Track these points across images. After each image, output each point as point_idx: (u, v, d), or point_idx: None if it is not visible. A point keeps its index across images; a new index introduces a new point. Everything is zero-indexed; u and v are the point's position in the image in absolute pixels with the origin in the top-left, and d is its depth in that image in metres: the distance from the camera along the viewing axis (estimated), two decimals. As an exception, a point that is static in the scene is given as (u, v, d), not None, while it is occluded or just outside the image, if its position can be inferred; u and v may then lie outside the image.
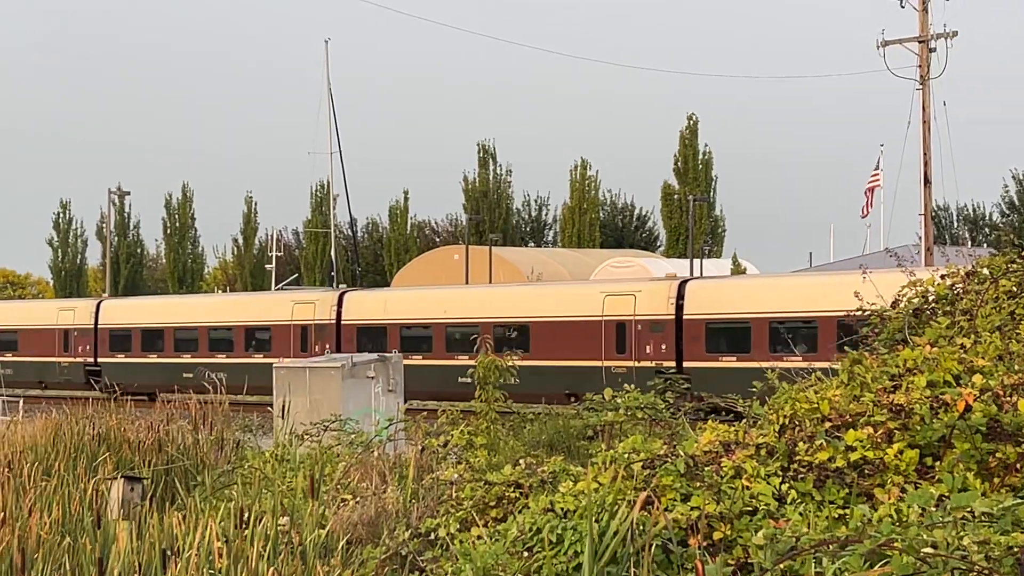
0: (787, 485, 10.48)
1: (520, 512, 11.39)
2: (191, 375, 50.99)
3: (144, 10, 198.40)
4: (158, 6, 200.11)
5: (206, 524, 12.86)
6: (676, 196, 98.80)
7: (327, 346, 52.09)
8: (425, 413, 21.15)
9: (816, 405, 11.18)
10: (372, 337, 51.08)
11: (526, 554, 10.59)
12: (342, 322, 53.06)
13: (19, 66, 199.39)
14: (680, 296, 44.06)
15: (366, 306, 53.76)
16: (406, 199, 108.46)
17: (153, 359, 58.50)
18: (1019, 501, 9.08)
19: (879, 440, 10.60)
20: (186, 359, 56.67)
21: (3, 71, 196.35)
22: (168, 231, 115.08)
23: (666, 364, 43.13)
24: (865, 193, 78.15)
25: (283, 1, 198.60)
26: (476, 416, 19.56)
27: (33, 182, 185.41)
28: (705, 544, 10.04)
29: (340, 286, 63.43)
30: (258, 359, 53.04)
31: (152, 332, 59.21)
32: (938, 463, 10.56)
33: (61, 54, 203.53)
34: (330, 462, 17.51)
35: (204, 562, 12.36)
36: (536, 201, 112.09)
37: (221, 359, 55.13)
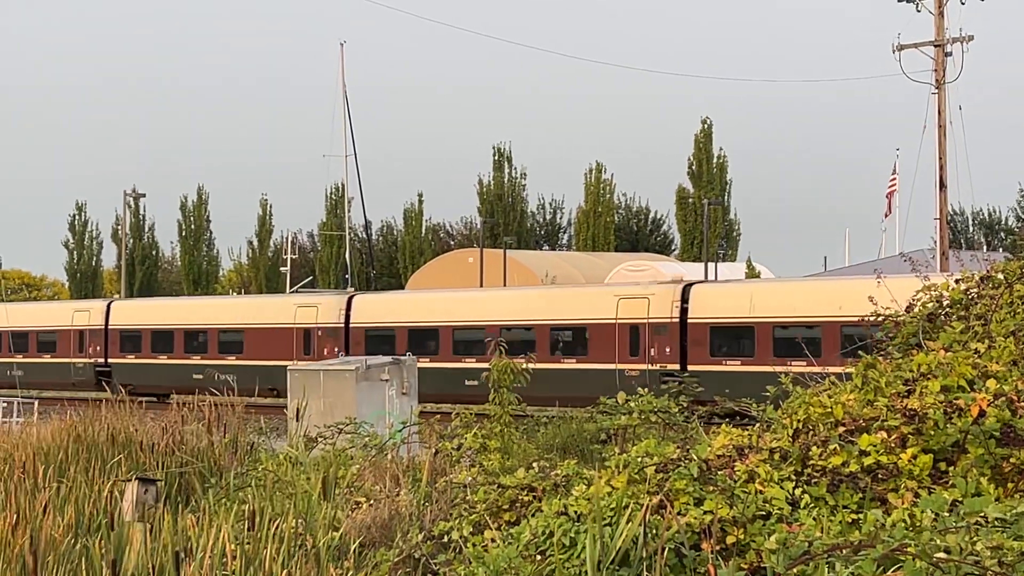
0: (800, 489, 10.47)
1: (533, 515, 11.39)
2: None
3: (159, 12, 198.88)
4: (173, 8, 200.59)
5: (220, 526, 12.88)
6: (691, 199, 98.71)
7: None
8: (439, 416, 21.16)
9: (830, 409, 11.17)
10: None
11: (539, 557, 10.59)
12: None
13: (36, 68, 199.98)
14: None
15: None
16: (421, 202, 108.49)
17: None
18: (1033, 506, 9.07)
19: (893, 445, 10.59)
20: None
21: (21, 73, 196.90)
22: (183, 233, 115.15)
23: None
24: (887, 197, 78.04)
25: (299, 4, 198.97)
26: (489, 419, 19.57)
27: (49, 184, 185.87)
28: (718, 548, 10.03)
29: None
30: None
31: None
32: (952, 468, 10.55)
33: (77, 56, 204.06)
34: (344, 464, 17.53)
35: (218, 564, 12.38)
36: (551, 204, 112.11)
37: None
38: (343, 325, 53.38)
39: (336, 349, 52.11)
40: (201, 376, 51.97)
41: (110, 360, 60.80)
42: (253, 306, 60.76)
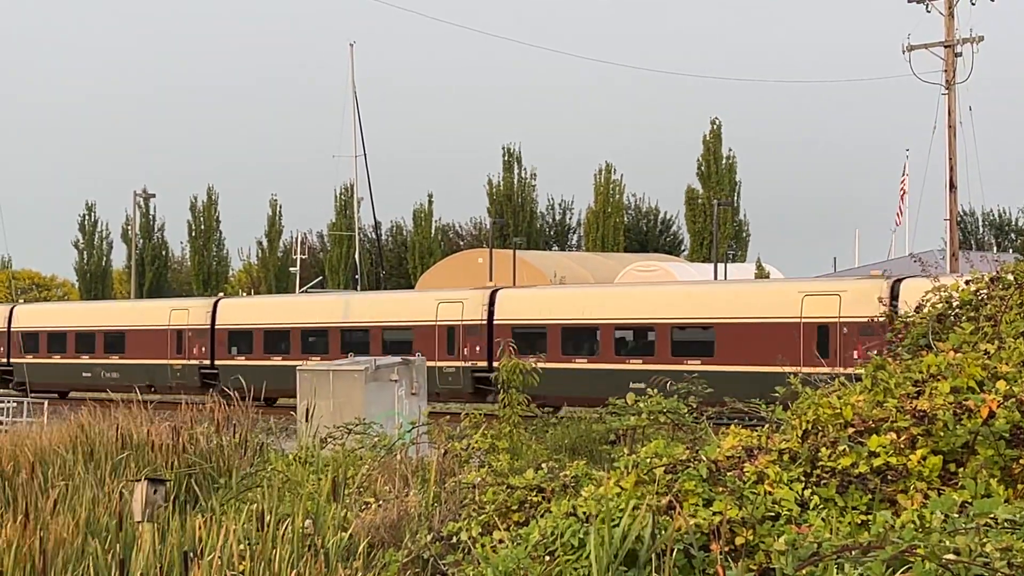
0: (810, 491, 10.46)
1: (542, 516, 11.38)
2: None
3: (168, 13, 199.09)
4: (182, 9, 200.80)
5: (229, 527, 12.88)
6: (700, 200, 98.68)
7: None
8: (448, 417, 21.15)
9: (839, 410, 11.15)
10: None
11: (548, 558, 10.57)
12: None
13: (45, 69, 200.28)
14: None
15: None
16: (430, 202, 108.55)
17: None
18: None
19: (902, 446, 10.58)
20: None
21: (29, 74, 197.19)
22: (193, 233, 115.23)
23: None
24: (900, 200, 77.92)
25: (308, 4, 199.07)
26: (498, 420, 19.56)
27: (59, 185, 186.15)
28: (727, 549, 10.02)
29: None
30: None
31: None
32: (961, 469, 10.53)
33: (85, 56, 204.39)
34: (353, 465, 17.53)
35: (227, 565, 12.39)
36: (560, 205, 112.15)
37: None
38: (486, 322, 49.17)
39: (478, 348, 48.86)
40: None
41: (217, 362, 57.84)
42: (396, 303, 55.72)
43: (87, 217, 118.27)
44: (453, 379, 49.17)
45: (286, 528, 13.16)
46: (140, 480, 15.66)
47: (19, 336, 64.79)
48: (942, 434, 10.58)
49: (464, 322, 49.66)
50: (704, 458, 11.05)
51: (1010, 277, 14.98)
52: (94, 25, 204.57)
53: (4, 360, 65.15)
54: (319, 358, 47.36)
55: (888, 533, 8.82)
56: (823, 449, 10.76)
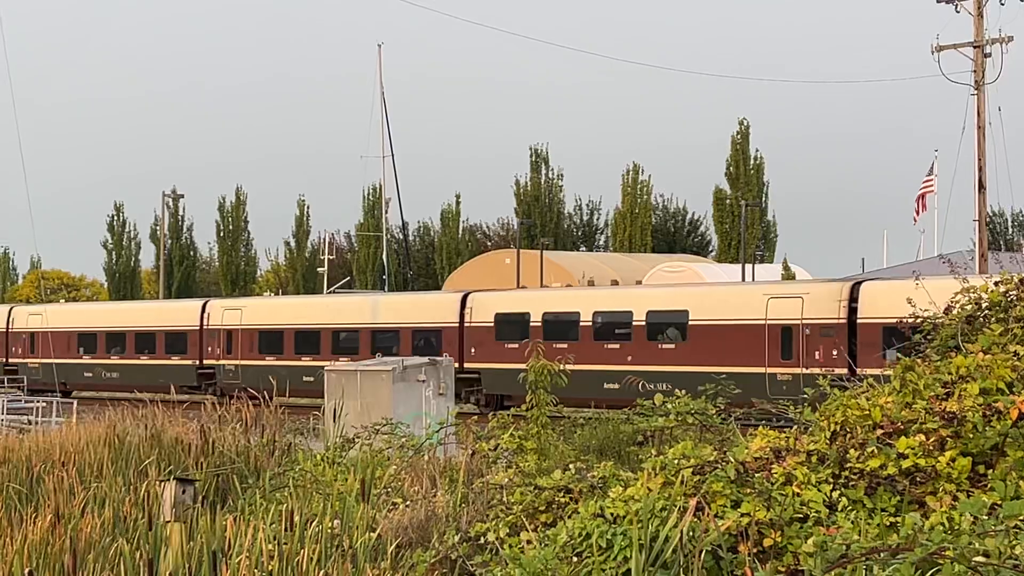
0: (838, 492, 10.44)
1: (570, 517, 11.39)
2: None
3: (196, 14, 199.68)
4: (211, 10, 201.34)
5: (257, 527, 12.92)
6: (728, 201, 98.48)
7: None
8: (475, 417, 21.15)
9: (868, 412, 11.13)
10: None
11: (575, 559, 10.58)
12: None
13: (72, 69, 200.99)
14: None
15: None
16: (458, 203, 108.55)
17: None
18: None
19: (931, 448, 10.55)
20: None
21: (59, 76, 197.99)
22: (221, 234, 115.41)
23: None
24: (917, 199, 77.61)
25: (336, 5, 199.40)
26: (526, 420, 19.56)
27: (88, 185, 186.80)
28: (755, 551, 10.01)
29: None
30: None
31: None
32: (991, 471, 10.50)
33: (115, 57, 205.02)
34: (381, 465, 17.55)
35: (255, 564, 12.42)
36: (588, 205, 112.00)
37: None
38: (845, 321, 41.75)
39: (833, 352, 41.34)
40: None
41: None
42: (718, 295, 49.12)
43: (116, 218, 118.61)
44: None
45: (314, 528, 13.19)
46: (169, 480, 15.73)
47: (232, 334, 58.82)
48: (971, 436, 10.56)
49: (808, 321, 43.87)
50: (732, 459, 11.04)
51: (1040, 278, 14.93)
52: (122, 25, 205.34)
53: (207, 362, 59.49)
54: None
55: (917, 535, 8.80)
56: (852, 451, 10.75)
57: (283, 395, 45.97)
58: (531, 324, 48.64)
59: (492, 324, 50.04)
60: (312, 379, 46.44)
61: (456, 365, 46.02)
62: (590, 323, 47.88)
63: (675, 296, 48.44)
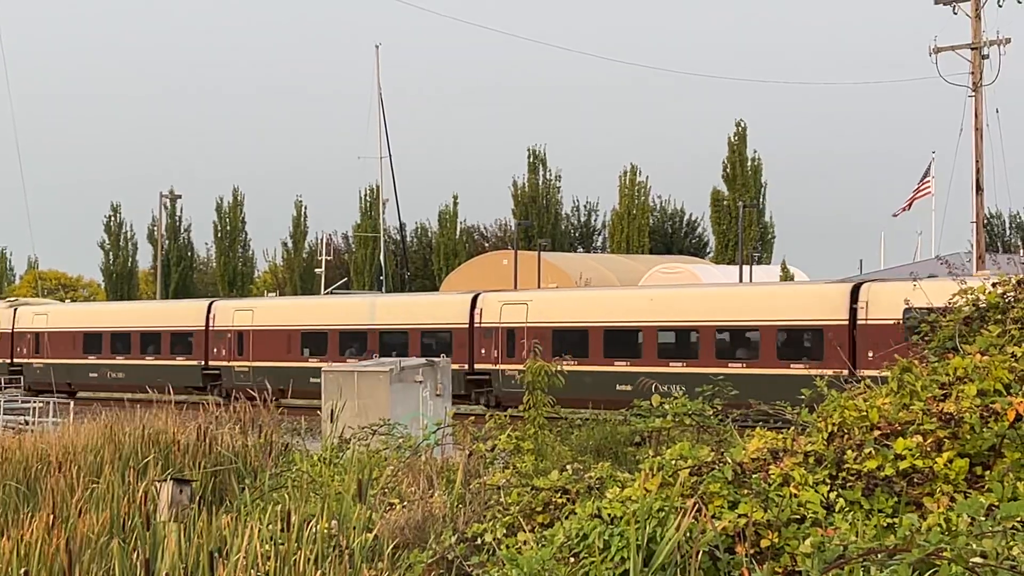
0: (835, 493, 10.44)
1: (567, 518, 11.38)
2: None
3: (194, 16, 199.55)
4: (208, 10, 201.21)
5: (254, 527, 12.91)
6: (725, 202, 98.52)
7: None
8: (472, 418, 21.15)
9: (865, 413, 11.13)
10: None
11: (572, 560, 10.57)
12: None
13: (69, 69, 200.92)
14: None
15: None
16: (455, 204, 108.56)
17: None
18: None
19: (928, 449, 10.55)
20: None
21: (57, 75, 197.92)
22: (219, 234, 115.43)
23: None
24: (909, 200, 77.46)
25: (334, 6, 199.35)
26: (523, 421, 19.57)
27: (85, 186, 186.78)
28: (752, 552, 10.01)
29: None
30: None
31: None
32: (988, 472, 10.50)
33: (112, 57, 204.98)
34: (378, 466, 17.55)
35: (252, 565, 12.41)
36: (585, 206, 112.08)
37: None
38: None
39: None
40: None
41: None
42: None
43: (113, 218, 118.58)
44: None
45: (311, 528, 13.18)
46: (166, 480, 15.73)
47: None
48: (968, 437, 10.56)
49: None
50: (729, 460, 11.03)
51: (1037, 280, 14.93)
52: (119, 26, 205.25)
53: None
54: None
55: (914, 536, 8.80)
56: (849, 452, 10.74)
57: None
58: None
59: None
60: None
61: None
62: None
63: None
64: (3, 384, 57.15)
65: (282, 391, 43.81)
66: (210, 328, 57.53)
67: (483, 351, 48.41)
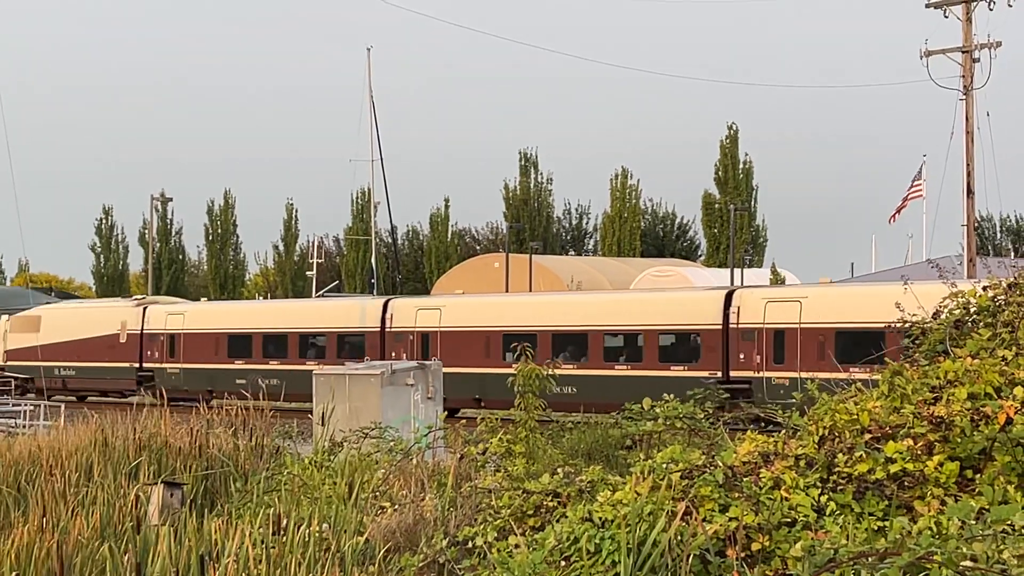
0: (826, 496, 10.45)
1: (558, 521, 11.39)
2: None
3: (185, 16, 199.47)
4: (200, 12, 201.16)
5: (245, 530, 12.91)
6: (717, 205, 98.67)
7: None
8: (464, 421, 21.14)
9: (856, 416, 11.14)
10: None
11: (564, 563, 10.58)
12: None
13: (61, 71, 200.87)
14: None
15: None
16: (447, 207, 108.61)
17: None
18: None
19: (919, 452, 10.56)
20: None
21: (46, 75, 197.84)
22: (210, 237, 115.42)
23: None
24: (901, 203, 77.55)
25: (325, 9, 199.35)
26: (515, 424, 19.57)
27: (76, 188, 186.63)
28: (743, 555, 10.01)
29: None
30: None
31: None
32: (979, 476, 10.51)
33: (103, 60, 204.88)
34: (369, 469, 17.55)
35: (243, 568, 12.41)
36: (577, 209, 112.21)
37: None
38: None
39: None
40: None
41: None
42: None
43: (104, 221, 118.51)
44: None
45: (303, 532, 13.18)
46: (157, 484, 15.72)
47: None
48: (959, 440, 10.57)
49: None
50: (720, 463, 11.04)
51: (1027, 283, 14.94)
52: (109, 28, 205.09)
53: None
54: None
55: (905, 539, 8.81)
56: (840, 455, 10.76)
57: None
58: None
59: None
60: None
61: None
62: None
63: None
64: (137, 390, 54.43)
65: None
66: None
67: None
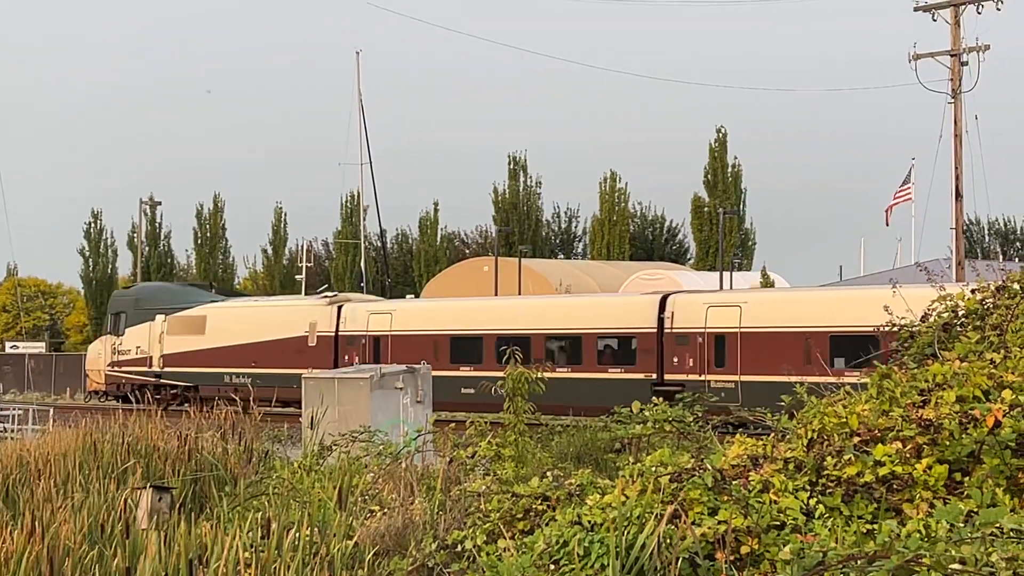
0: (815, 500, 10.46)
1: (547, 525, 11.39)
2: None
3: (174, 19, 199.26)
4: (189, 15, 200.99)
5: (234, 534, 12.89)
6: (706, 208, 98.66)
7: None
8: (453, 425, 21.14)
9: (845, 419, 11.15)
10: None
11: (553, 567, 10.58)
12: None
13: (48, 74, 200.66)
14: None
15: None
16: (436, 210, 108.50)
17: None
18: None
19: (908, 455, 10.58)
20: None
21: (34, 78, 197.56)
22: (199, 241, 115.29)
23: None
24: (889, 207, 77.63)
25: (315, 12, 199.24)
26: (504, 428, 19.57)
27: (64, 192, 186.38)
28: (732, 558, 10.02)
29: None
30: None
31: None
32: (967, 479, 10.52)
33: (92, 64, 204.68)
34: (358, 473, 17.54)
35: (232, 572, 12.40)
36: (566, 213, 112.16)
37: None
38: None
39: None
40: None
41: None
42: None
43: (93, 225, 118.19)
44: None
45: (292, 536, 13.17)
46: (145, 488, 15.69)
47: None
48: (948, 443, 10.58)
49: None
50: (709, 467, 11.05)
51: (1016, 286, 14.99)
52: (98, 32, 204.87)
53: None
54: None
55: (894, 542, 8.83)
56: (829, 458, 10.77)
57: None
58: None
59: None
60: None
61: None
62: None
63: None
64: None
65: None
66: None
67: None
